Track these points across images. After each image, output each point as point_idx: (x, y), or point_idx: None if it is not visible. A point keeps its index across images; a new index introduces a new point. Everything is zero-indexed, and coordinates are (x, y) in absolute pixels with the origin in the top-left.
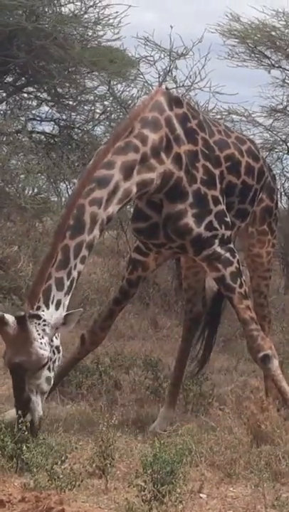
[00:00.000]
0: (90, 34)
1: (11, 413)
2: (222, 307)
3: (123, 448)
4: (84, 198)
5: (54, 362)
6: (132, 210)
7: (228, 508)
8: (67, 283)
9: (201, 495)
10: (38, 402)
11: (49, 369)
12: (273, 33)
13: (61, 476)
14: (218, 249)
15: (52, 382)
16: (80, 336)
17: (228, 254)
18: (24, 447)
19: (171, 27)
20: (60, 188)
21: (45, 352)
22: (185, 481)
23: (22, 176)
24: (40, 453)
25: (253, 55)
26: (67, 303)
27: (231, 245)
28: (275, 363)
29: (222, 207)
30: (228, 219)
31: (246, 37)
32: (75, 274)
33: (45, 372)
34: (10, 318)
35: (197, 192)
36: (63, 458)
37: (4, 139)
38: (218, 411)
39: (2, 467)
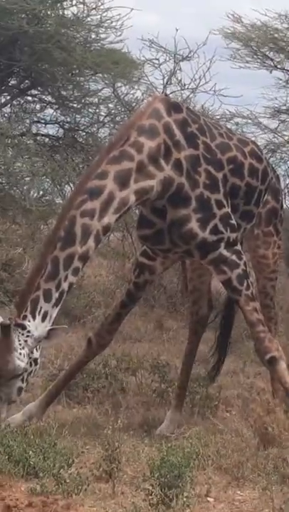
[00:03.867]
0: (92, 37)
1: (17, 418)
2: (235, 309)
3: (130, 451)
4: (75, 209)
5: (30, 373)
6: (137, 212)
7: None
8: (55, 295)
9: (208, 499)
10: (3, 411)
11: (22, 380)
12: (276, 35)
13: (68, 481)
14: (224, 252)
15: (22, 393)
16: (86, 339)
17: (234, 257)
18: (31, 452)
19: (177, 30)
20: (64, 191)
21: (21, 363)
22: (192, 484)
23: (27, 178)
24: (46, 457)
25: (255, 56)
26: (54, 315)
27: (238, 247)
28: (283, 365)
29: (226, 210)
30: (233, 221)
31: (249, 39)
32: (65, 286)
33: (18, 383)
34: None
35: (200, 197)
36: (70, 462)
37: (9, 141)
38: (225, 413)
39: (9, 472)
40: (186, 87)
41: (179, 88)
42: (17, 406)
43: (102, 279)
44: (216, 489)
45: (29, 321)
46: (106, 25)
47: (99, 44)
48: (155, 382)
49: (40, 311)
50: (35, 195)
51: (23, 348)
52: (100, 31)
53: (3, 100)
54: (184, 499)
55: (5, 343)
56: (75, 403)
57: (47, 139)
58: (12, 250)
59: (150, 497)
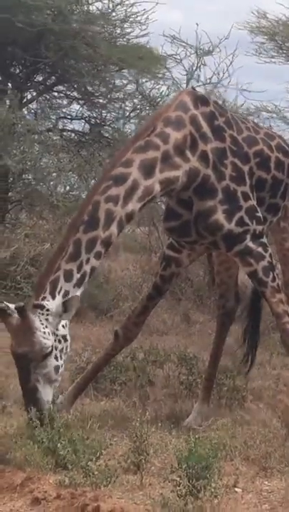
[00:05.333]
0: (118, 32)
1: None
2: (261, 302)
3: (158, 443)
4: (100, 194)
5: (61, 350)
6: (163, 206)
7: (263, 502)
8: (77, 275)
9: (236, 489)
10: (45, 392)
11: (56, 358)
12: None
13: (96, 473)
14: (250, 244)
15: (60, 370)
16: (113, 332)
17: (260, 249)
18: (59, 445)
19: (197, 24)
20: (91, 186)
21: (48, 341)
22: (220, 475)
23: (54, 174)
24: (75, 450)
25: (281, 51)
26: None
27: (263, 240)
28: None
29: (252, 202)
30: (259, 214)
31: (274, 33)
32: (87, 268)
33: (52, 361)
34: (12, 308)
35: (226, 188)
36: (98, 454)
37: (36, 137)
38: (252, 405)
39: (37, 464)
40: (208, 81)
41: (202, 83)
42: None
43: (129, 273)
44: (244, 480)
45: (48, 301)
46: (131, 19)
47: (124, 39)
48: (182, 375)
49: (60, 290)
50: (62, 190)
51: (46, 326)
52: (126, 26)
53: (29, 96)
54: (212, 490)
55: (26, 326)
56: (102, 396)
57: (73, 135)
58: (39, 246)
59: (178, 488)
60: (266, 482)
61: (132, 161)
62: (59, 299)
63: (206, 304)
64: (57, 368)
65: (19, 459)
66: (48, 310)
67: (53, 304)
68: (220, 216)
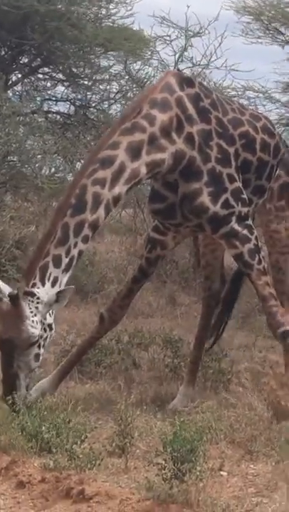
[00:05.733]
0: (103, 13)
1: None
2: (240, 284)
3: (143, 426)
4: (87, 177)
5: (45, 339)
6: (148, 188)
7: (249, 486)
8: (65, 260)
9: (221, 472)
10: (24, 380)
11: (39, 346)
12: (288, 9)
13: (81, 456)
14: (236, 227)
15: (40, 358)
16: (99, 314)
17: (245, 231)
18: (43, 428)
19: (188, 6)
20: (76, 168)
21: (35, 330)
22: (205, 458)
23: (39, 156)
24: (59, 433)
25: (267, 31)
26: (65, 280)
27: (249, 222)
28: None
29: (238, 184)
30: (244, 196)
31: (260, 13)
32: (74, 252)
33: (35, 350)
34: (5, 290)
35: (212, 170)
36: (83, 437)
37: (20, 119)
38: (238, 387)
39: (22, 448)
40: (197, 63)
41: (191, 65)
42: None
43: (114, 255)
44: (229, 463)
45: (38, 288)
46: (116, 0)
47: (110, 20)
48: (168, 358)
49: (49, 276)
50: (47, 172)
51: (35, 315)
52: (111, 7)
53: (14, 78)
54: (197, 473)
55: (16, 313)
56: (87, 379)
57: (58, 117)
58: (24, 228)
59: (163, 471)
60: (252, 465)
61: (118, 143)
62: (48, 285)
63: (191, 286)
64: (37, 356)
65: (3, 443)
66: (38, 298)
67: (44, 291)
68: (205, 198)
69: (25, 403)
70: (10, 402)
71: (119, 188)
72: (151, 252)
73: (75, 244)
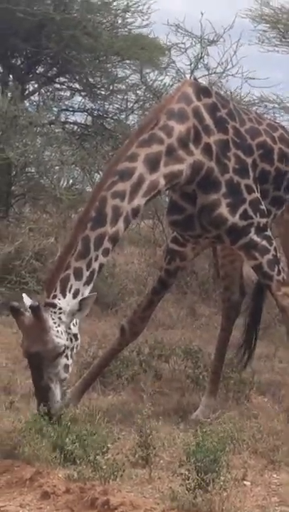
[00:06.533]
0: (119, 22)
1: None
2: (263, 297)
3: (165, 437)
4: (106, 190)
5: (72, 349)
6: (167, 199)
7: (272, 495)
8: (86, 273)
9: (245, 482)
10: (57, 391)
11: (66, 357)
12: None
13: (104, 467)
14: (255, 238)
15: (70, 369)
16: (119, 326)
17: (264, 242)
18: (67, 439)
19: (202, 14)
20: (94, 179)
21: (61, 340)
22: (228, 468)
23: (56, 167)
24: (83, 444)
25: (283, 39)
26: (86, 293)
27: (268, 233)
28: None
29: (256, 195)
30: (263, 207)
31: (277, 22)
32: (95, 265)
33: (63, 360)
34: (27, 303)
35: (230, 181)
36: (106, 449)
37: (38, 130)
38: (259, 398)
39: (46, 459)
40: (213, 71)
41: (207, 73)
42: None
43: (134, 266)
44: (252, 473)
45: (59, 299)
46: (133, 9)
47: (126, 29)
48: (188, 369)
49: (70, 288)
50: (65, 184)
51: (59, 325)
52: (127, 16)
53: (31, 88)
54: (221, 483)
55: (39, 325)
56: (109, 390)
57: (76, 127)
58: (44, 240)
59: (187, 482)
60: (275, 475)
61: (137, 155)
62: (70, 297)
63: (211, 298)
64: (67, 367)
65: (28, 454)
66: (60, 308)
67: (65, 302)
68: (224, 210)
69: (61, 414)
70: (44, 414)
71: (138, 201)
72: (171, 264)
73: (96, 258)
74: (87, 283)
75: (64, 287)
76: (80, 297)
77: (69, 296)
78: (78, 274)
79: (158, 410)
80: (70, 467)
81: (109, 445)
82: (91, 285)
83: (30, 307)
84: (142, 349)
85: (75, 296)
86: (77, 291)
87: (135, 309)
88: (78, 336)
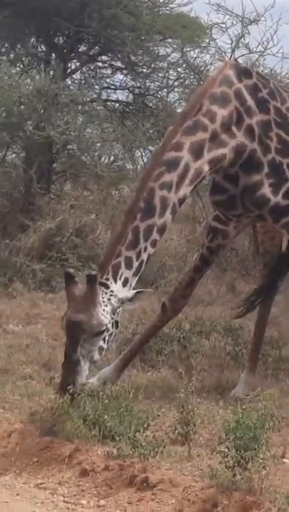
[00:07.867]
0: (160, 1)
1: (92, 383)
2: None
3: (205, 414)
4: (154, 181)
5: (110, 335)
6: (208, 177)
7: None
8: (135, 264)
9: (284, 460)
10: (84, 369)
11: (104, 340)
12: None
13: (144, 444)
14: None
15: (102, 353)
16: (160, 303)
17: None
18: (106, 416)
19: None
20: (135, 156)
21: (105, 319)
22: (268, 446)
23: (98, 144)
24: (122, 421)
25: None
26: (134, 284)
27: None
28: None
29: None
30: None
31: None
32: (144, 256)
33: (100, 342)
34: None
35: (272, 161)
36: (145, 425)
37: (79, 108)
38: None
39: (85, 436)
40: (253, 50)
41: (247, 52)
42: (92, 371)
43: (174, 243)
44: None
45: (111, 283)
46: None
47: (167, 8)
48: (228, 345)
49: (121, 276)
50: (106, 160)
51: (107, 305)
52: None
53: (73, 67)
54: (260, 461)
55: (90, 295)
56: (149, 367)
57: (117, 105)
58: (85, 216)
59: (226, 459)
60: None
61: (182, 143)
62: (120, 284)
63: (251, 274)
64: (101, 350)
65: (66, 431)
66: (112, 291)
67: (117, 288)
68: (266, 190)
69: (87, 391)
70: (70, 389)
71: (184, 190)
72: (213, 241)
73: (145, 249)
74: (135, 274)
75: (116, 273)
76: (128, 287)
77: (119, 283)
78: (128, 264)
79: (197, 387)
80: (109, 444)
81: (148, 422)
82: (138, 276)
83: (88, 276)
84: (182, 325)
85: (124, 284)
86: (127, 280)
87: (176, 286)
88: (118, 324)
